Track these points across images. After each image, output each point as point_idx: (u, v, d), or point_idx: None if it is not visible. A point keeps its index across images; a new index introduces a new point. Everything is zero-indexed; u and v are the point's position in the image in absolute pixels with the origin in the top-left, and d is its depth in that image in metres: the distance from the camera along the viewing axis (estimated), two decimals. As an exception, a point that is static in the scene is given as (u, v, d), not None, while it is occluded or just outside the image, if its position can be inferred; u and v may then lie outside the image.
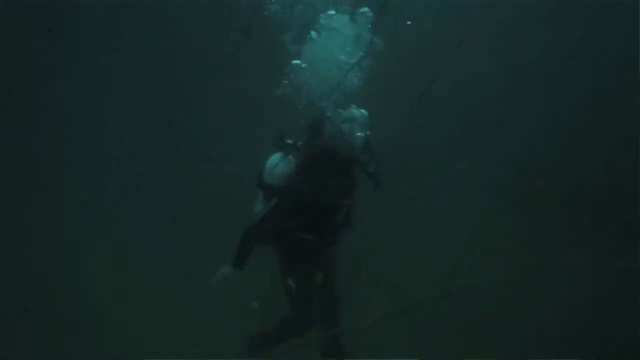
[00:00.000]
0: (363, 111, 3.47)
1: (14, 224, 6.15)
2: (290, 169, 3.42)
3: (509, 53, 6.42)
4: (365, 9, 3.92)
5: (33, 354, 5.28)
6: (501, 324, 5.38)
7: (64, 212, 6.43)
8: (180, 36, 6.68)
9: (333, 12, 3.93)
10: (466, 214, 6.34)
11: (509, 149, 6.52)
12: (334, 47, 3.81)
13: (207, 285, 3.46)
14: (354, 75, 3.65)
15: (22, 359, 5.28)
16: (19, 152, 6.50)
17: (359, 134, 3.37)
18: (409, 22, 5.32)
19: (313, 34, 3.86)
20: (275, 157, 3.49)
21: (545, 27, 6.36)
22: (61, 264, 6.12)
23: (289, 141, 3.47)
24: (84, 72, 6.65)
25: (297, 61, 3.73)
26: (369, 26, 3.90)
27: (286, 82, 3.70)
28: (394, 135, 6.16)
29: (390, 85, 5.97)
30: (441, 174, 6.60)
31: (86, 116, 6.67)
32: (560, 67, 6.36)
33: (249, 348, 3.70)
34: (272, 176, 3.43)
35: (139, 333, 5.53)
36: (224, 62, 6.44)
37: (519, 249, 5.97)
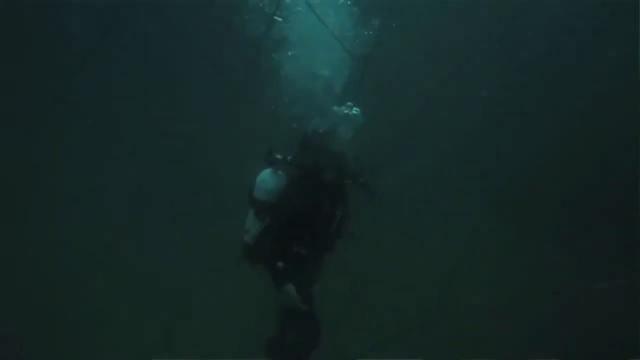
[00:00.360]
0: (355, 110, 3.48)
1: (14, 224, 6.14)
2: (280, 183, 3.43)
3: (508, 54, 6.41)
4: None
5: (33, 354, 5.28)
6: (501, 324, 5.38)
7: (64, 212, 6.42)
8: (180, 39, 6.66)
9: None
10: (464, 216, 6.36)
11: (508, 150, 6.52)
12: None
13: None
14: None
15: (22, 359, 5.28)
16: (19, 152, 6.49)
17: (349, 134, 3.39)
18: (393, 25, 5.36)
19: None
20: (265, 173, 3.50)
21: (544, 28, 6.36)
22: (61, 264, 6.12)
23: (278, 156, 3.47)
24: (83, 72, 6.64)
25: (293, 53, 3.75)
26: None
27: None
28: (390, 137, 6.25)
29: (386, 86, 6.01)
30: (440, 177, 6.60)
31: (86, 116, 6.66)
32: (560, 67, 6.36)
33: None
34: (262, 192, 3.44)
35: (139, 333, 5.54)
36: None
37: (518, 252, 5.99)
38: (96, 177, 6.65)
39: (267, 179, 3.45)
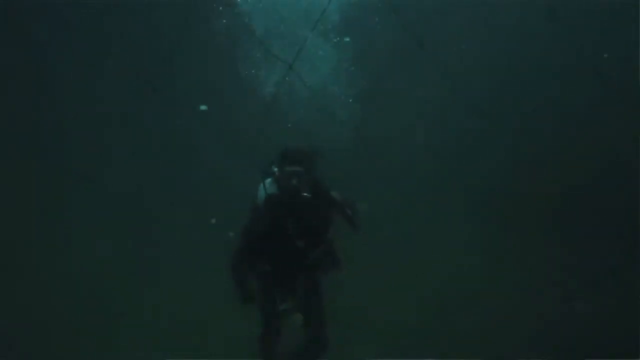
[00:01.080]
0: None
1: (14, 223, 6.14)
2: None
3: (506, 54, 6.41)
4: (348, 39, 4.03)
5: (33, 354, 5.29)
6: (501, 324, 5.39)
7: (64, 212, 6.43)
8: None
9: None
10: (462, 217, 6.37)
11: (506, 150, 6.52)
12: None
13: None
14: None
15: (22, 359, 5.29)
16: (19, 152, 6.48)
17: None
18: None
19: None
20: (265, 182, 3.56)
21: (543, 28, 6.35)
22: (61, 264, 6.12)
23: (275, 169, 3.50)
24: (84, 71, 6.63)
25: None
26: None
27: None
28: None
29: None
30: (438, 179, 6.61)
31: (86, 116, 6.66)
32: (560, 67, 6.36)
33: None
34: (256, 199, 3.53)
35: (139, 333, 5.54)
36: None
37: (517, 251, 5.99)
38: (96, 178, 6.64)
39: (261, 189, 3.51)
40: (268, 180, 3.48)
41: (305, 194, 3.33)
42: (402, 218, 6.35)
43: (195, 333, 5.66)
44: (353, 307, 5.48)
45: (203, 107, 5.96)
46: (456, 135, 6.56)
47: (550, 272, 5.78)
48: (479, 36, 6.38)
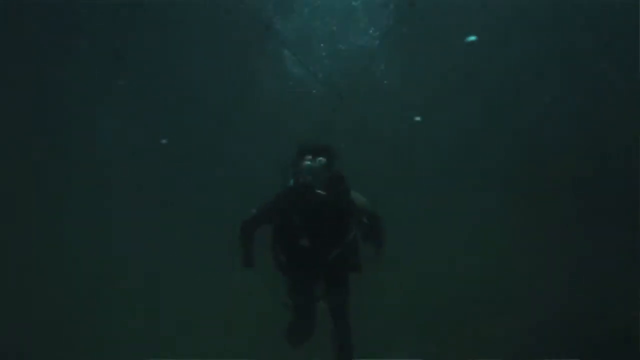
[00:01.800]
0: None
1: (14, 224, 6.14)
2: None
3: (511, 51, 6.41)
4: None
5: (33, 353, 5.28)
6: (501, 324, 5.39)
7: (64, 212, 6.42)
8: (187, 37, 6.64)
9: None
10: (469, 209, 6.36)
11: (509, 149, 6.52)
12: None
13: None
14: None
15: (22, 359, 5.28)
16: (19, 152, 6.48)
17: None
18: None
19: None
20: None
21: (545, 26, 6.35)
22: (61, 264, 6.12)
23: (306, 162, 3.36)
24: (84, 71, 6.62)
25: None
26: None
27: None
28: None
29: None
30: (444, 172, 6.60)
31: (87, 116, 6.65)
32: (560, 66, 6.37)
33: None
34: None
35: (139, 333, 5.54)
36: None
37: (521, 244, 5.99)
38: (96, 178, 6.64)
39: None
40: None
41: (318, 191, 3.18)
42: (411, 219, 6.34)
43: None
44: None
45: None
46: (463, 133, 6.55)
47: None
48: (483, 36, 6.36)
